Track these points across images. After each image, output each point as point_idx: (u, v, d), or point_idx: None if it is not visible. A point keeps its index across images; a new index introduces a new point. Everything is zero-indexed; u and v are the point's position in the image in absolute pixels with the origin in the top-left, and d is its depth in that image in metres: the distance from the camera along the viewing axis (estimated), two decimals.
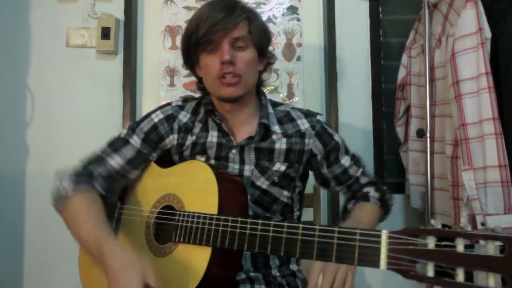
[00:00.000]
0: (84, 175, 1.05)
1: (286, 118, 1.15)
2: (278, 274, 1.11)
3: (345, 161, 1.17)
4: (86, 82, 1.83)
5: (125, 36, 1.82)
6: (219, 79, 1.04)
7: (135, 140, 1.11)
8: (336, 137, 1.17)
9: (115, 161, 1.08)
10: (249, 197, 1.04)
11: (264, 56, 1.13)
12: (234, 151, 1.10)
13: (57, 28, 1.83)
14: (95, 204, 1.01)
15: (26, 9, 1.84)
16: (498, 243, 0.65)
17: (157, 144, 1.13)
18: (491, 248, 0.65)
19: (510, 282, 0.63)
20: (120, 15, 1.83)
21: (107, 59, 1.83)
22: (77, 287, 1.14)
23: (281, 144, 1.11)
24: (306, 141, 1.13)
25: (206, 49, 1.05)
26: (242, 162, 1.10)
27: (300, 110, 1.18)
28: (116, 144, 1.11)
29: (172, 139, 1.14)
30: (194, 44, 1.06)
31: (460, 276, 0.66)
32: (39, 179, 1.79)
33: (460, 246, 0.67)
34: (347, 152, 1.18)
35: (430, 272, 0.69)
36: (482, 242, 0.66)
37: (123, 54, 1.82)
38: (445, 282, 0.67)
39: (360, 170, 1.19)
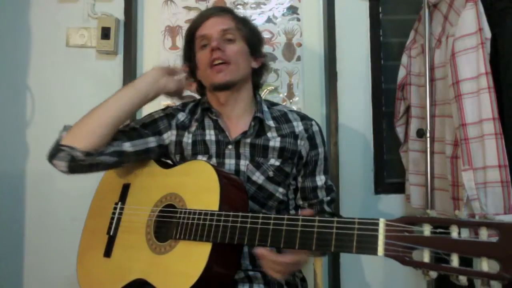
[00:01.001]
0: None
1: (282, 118, 1.19)
2: None
3: (319, 180, 1.18)
4: (86, 82, 1.83)
5: (125, 36, 1.82)
6: (210, 67, 1.10)
7: (134, 125, 1.17)
8: (321, 149, 1.19)
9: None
10: None
11: (258, 55, 1.19)
12: (230, 146, 1.13)
13: (57, 28, 1.83)
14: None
15: (26, 9, 1.84)
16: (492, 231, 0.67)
17: (155, 135, 1.17)
18: (484, 235, 0.67)
19: (503, 267, 0.64)
20: (120, 15, 1.83)
21: (107, 59, 1.83)
22: (77, 287, 1.15)
23: (275, 142, 1.14)
24: (299, 142, 1.16)
25: (199, 45, 1.14)
26: (237, 157, 1.12)
27: (297, 113, 1.22)
28: None
29: (170, 135, 1.18)
30: (189, 42, 1.17)
31: (454, 261, 0.68)
32: (39, 179, 1.79)
33: (454, 233, 0.69)
34: (325, 172, 1.20)
35: (426, 258, 0.71)
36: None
37: (123, 54, 1.82)
38: (441, 267, 0.69)
39: (329, 198, 1.19)
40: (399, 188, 1.78)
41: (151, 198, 1.09)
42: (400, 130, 1.75)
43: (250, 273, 1.07)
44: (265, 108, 1.19)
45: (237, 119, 1.16)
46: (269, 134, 1.15)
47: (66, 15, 1.83)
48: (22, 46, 1.83)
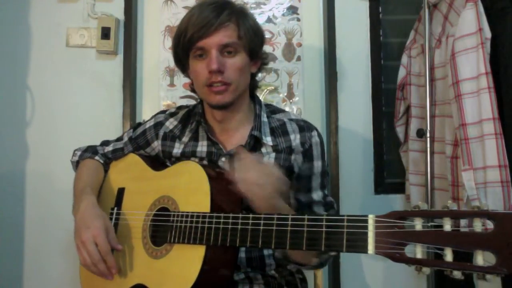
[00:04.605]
0: (91, 151, 1.26)
1: (279, 131, 1.11)
2: (277, 275, 1.11)
3: (316, 195, 1.10)
4: (86, 82, 1.83)
5: (125, 36, 1.82)
6: (208, 87, 1.02)
7: (126, 144, 1.24)
8: (317, 162, 1.10)
9: (108, 148, 1.27)
10: None
11: (257, 59, 1.10)
12: (223, 159, 1.08)
13: (57, 28, 1.83)
14: (94, 165, 1.23)
15: (26, 9, 1.83)
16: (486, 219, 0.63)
17: (143, 148, 1.21)
18: (478, 226, 0.64)
19: (498, 259, 0.61)
20: (120, 15, 1.83)
21: (107, 59, 1.83)
22: (77, 287, 1.15)
23: (269, 158, 1.08)
24: (292, 157, 1.09)
25: (194, 55, 1.03)
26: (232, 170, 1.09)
27: (297, 122, 1.12)
28: (115, 139, 1.29)
29: (157, 145, 1.18)
30: (182, 48, 1.04)
31: (448, 256, 0.65)
32: (39, 179, 1.79)
33: (447, 225, 0.66)
34: (322, 187, 1.11)
35: (419, 254, 0.67)
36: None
37: (123, 54, 1.81)
38: (433, 263, 0.66)
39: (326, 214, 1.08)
40: (399, 188, 1.78)
41: (145, 202, 1.08)
42: (400, 130, 1.75)
43: (250, 274, 1.07)
44: (264, 118, 1.11)
45: (234, 132, 1.10)
46: (263, 150, 1.08)
47: (66, 15, 1.83)
48: (22, 46, 1.83)
